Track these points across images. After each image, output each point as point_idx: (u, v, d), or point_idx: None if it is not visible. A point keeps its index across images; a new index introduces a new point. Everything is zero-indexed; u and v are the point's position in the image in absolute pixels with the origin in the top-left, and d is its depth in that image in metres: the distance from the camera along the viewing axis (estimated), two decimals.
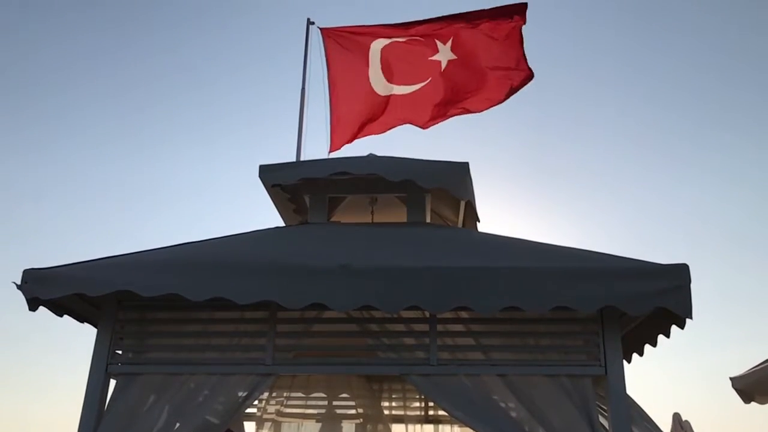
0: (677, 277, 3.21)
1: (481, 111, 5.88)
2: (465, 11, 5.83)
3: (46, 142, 13.23)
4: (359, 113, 6.08)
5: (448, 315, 3.58)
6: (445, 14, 5.85)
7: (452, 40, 5.87)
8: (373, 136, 6.16)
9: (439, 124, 6.04)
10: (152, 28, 13.29)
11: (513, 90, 5.74)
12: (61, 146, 13.50)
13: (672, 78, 13.15)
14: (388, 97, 6.08)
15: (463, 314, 3.60)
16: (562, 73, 12.75)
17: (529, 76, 5.69)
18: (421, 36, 5.89)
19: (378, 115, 6.11)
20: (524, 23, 5.72)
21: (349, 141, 6.16)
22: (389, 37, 5.93)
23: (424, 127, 6.06)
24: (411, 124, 6.05)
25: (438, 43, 5.91)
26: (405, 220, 4.75)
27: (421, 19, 5.92)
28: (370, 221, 5.20)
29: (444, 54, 5.94)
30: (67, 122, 13.27)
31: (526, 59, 5.71)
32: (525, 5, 5.74)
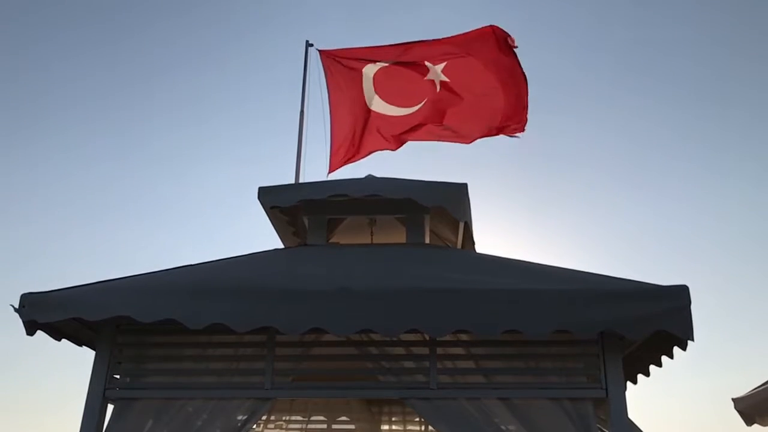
0: (677, 299, 3.20)
1: (470, 142, 5.90)
2: (454, 35, 5.87)
3: (42, 159, 13.24)
4: (358, 134, 6.10)
5: (448, 338, 3.57)
6: (438, 38, 5.90)
7: (445, 64, 5.91)
8: (371, 156, 6.19)
9: (435, 142, 6.08)
10: (152, 47, 13.37)
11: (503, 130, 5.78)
12: (57, 165, 13.52)
13: (668, 96, 13.23)
14: (385, 117, 6.11)
15: (464, 337, 3.58)
16: (560, 96, 12.83)
17: (521, 128, 5.75)
18: (413, 60, 5.93)
19: (375, 134, 6.13)
20: (514, 45, 5.74)
21: (349, 162, 6.18)
22: (383, 60, 5.97)
23: (396, 148, 6.08)
24: (402, 144, 6.07)
25: (428, 64, 5.94)
26: (404, 241, 4.74)
27: (415, 40, 5.97)
28: (370, 242, 5.20)
29: (436, 75, 5.97)
30: (64, 141, 13.30)
31: (526, 110, 5.72)
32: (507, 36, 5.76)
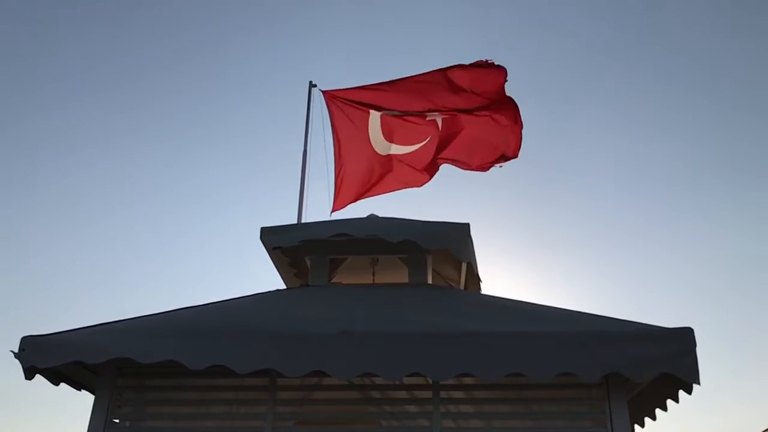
0: (682, 342, 3.17)
1: (477, 169, 5.93)
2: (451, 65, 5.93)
3: (41, 199, 13.29)
4: (362, 174, 6.13)
5: (451, 381, 3.53)
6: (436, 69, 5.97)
7: (443, 106, 5.97)
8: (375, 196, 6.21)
9: (439, 177, 6.12)
10: (156, 86, 13.53)
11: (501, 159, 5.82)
12: (57, 203, 13.57)
13: (669, 127, 13.30)
14: (389, 158, 6.14)
15: (467, 380, 3.54)
16: (561, 131, 12.91)
17: (514, 156, 5.79)
18: (415, 110, 6.01)
19: (380, 175, 6.16)
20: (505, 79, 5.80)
21: (352, 201, 6.19)
22: (386, 109, 6.04)
23: (421, 185, 6.12)
24: (410, 186, 6.10)
25: (431, 111, 6.02)
26: (407, 280, 4.72)
27: (414, 74, 6.03)
28: (372, 282, 5.18)
29: (437, 114, 6.04)
30: (64, 178, 13.37)
31: (519, 139, 5.78)
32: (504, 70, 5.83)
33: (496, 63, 5.86)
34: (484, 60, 5.88)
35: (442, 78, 5.99)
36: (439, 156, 6.08)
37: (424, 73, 6.02)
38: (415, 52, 12.45)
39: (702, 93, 12.90)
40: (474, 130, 6.00)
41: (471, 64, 5.93)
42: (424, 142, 6.14)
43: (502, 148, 5.93)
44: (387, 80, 6.11)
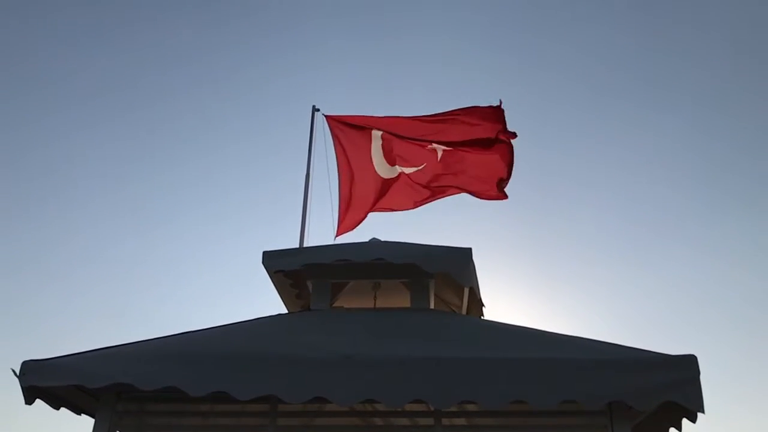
0: (686, 369, 3.15)
1: (480, 195, 5.95)
2: (455, 109, 5.99)
3: (46, 221, 13.31)
4: (366, 198, 6.15)
5: (453, 408, 3.50)
6: (439, 111, 6.04)
7: (443, 138, 6.02)
8: (376, 218, 6.22)
9: (438, 202, 6.14)
10: (159, 109, 13.62)
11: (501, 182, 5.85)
12: (58, 225, 13.59)
13: (669, 157, 13.34)
14: (390, 180, 6.17)
15: (469, 407, 3.52)
16: (568, 161, 12.96)
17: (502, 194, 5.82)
18: (415, 137, 6.05)
19: (382, 197, 6.19)
20: (513, 136, 5.86)
21: (357, 224, 6.20)
22: (388, 131, 6.08)
23: (414, 207, 6.14)
24: (402, 209, 6.12)
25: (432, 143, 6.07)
26: (409, 305, 4.71)
27: (417, 115, 6.10)
28: (373, 306, 5.16)
29: (438, 145, 6.09)
30: (64, 200, 13.41)
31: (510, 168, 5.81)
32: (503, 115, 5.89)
33: (500, 105, 5.91)
34: (491, 105, 5.94)
35: (447, 117, 6.07)
36: (436, 184, 6.10)
37: (428, 115, 6.11)
38: (418, 83, 12.56)
39: (702, 129, 12.97)
40: (471, 164, 6.04)
41: (476, 107, 5.99)
42: (422, 166, 6.18)
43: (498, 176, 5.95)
44: (390, 114, 6.19)
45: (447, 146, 6.05)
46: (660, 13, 12.27)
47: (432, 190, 6.17)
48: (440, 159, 6.08)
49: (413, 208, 6.17)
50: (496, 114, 5.89)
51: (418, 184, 6.20)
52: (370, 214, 6.28)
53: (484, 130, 5.91)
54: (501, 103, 5.87)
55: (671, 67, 12.72)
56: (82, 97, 12.94)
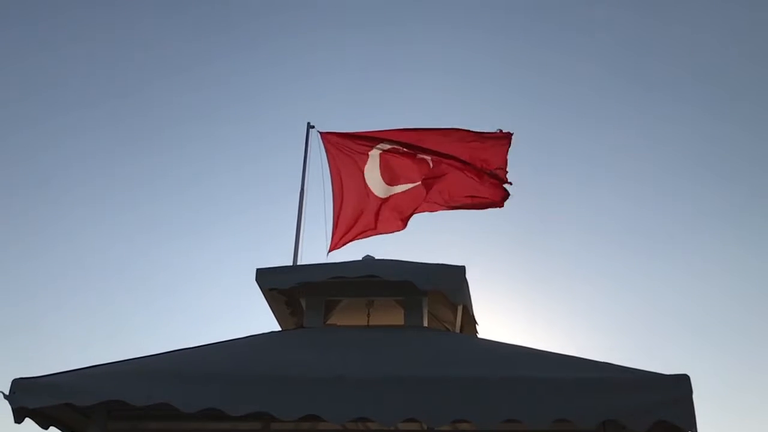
0: (678, 389, 3.15)
1: (471, 206, 5.96)
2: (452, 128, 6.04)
3: (34, 240, 13.24)
4: (359, 215, 6.15)
5: (446, 427, 3.49)
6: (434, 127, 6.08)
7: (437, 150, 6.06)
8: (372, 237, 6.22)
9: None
10: (154, 124, 13.62)
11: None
12: (51, 240, 13.53)
13: (666, 169, 13.39)
14: (386, 199, 6.18)
15: (462, 426, 3.51)
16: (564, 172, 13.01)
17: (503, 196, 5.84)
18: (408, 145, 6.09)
19: (377, 217, 6.18)
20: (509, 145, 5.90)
21: (350, 241, 6.20)
22: (384, 142, 6.11)
23: (404, 227, 6.14)
24: (392, 231, 6.12)
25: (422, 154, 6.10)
26: (402, 322, 4.70)
27: (412, 128, 6.13)
28: (367, 324, 5.15)
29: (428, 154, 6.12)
30: (60, 216, 13.37)
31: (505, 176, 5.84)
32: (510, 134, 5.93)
33: (504, 132, 5.96)
34: (496, 131, 5.99)
35: (445, 132, 6.11)
36: (428, 199, 6.12)
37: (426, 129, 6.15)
38: (414, 99, 12.62)
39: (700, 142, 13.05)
40: (459, 177, 6.06)
41: (479, 133, 6.04)
42: (417, 183, 6.19)
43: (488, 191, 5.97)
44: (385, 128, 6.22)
45: (444, 158, 6.06)
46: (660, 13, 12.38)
47: (426, 202, 6.17)
48: (432, 167, 6.10)
49: (404, 228, 6.16)
50: (502, 144, 5.92)
51: (410, 199, 6.20)
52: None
53: (485, 162, 5.94)
54: (511, 136, 5.91)
55: (670, 66, 12.81)
56: (73, 105, 12.96)
